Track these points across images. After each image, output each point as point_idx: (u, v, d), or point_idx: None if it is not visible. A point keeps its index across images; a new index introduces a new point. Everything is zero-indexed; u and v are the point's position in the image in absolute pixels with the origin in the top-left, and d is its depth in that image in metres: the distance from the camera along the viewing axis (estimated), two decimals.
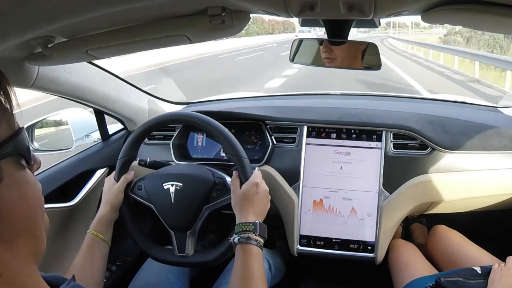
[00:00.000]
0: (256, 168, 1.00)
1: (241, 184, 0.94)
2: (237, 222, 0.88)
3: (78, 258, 0.91)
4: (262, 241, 0.85)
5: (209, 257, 1.02)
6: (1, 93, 0.41)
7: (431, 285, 1.00)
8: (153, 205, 1.04)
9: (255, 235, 0.84)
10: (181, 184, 1.01)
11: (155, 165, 1.16)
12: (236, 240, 0.84)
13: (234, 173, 0.97)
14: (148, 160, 1.16)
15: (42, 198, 0.46)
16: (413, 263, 1.18)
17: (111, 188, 1.04)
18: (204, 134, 1.38)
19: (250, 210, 0.88)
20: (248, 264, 0.81)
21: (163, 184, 1.02)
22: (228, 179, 1.01)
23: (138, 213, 1.08)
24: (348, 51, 0.93)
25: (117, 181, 1.05)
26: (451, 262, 1.17)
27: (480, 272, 0.97)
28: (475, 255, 1.14)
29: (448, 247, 1.25)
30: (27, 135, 0.45)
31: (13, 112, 0.43)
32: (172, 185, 1.01)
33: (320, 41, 0.97)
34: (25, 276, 0.42)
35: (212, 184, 1.01)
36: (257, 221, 0.87)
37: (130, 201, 1.07)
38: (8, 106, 0.42)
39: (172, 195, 1.01)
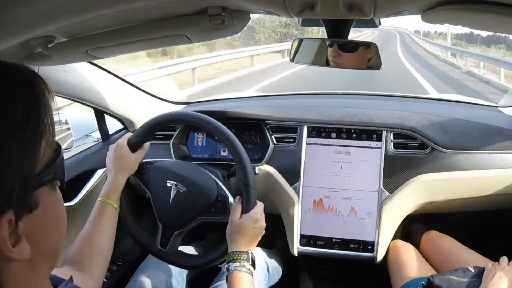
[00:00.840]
0: (258, 169, 1.01)
1: (242, 212, 0.94)
2: (230, 250, 0.90)
3: (88, 227, 0.89)
4: (253, 269, 0.88)
5: (189, 263, 1.04)
6: (42, 106, 0.38)
7: (423, 283, 1.01)
8: (150, 195, 1.04)
9: (248, 263, 0.87)
10: (184, 188, 1.01)
11: None
12: (231, 268, 0.87)
13: (237, 199, 0.97)
14: (145, 167, 1.15)
15: (66, 221, 0.45)
16: (411, 264, 1.18)
17: (127, 155, 0.99)
18: (204, 134, 1.38)
19: (244, 242, 0.90)
20: None
21: (167, 181, 1.02)
22: (230, 199, 1.00)
23: (135, 196, 1.07)
24: (356, 58, 0.94)
25: (132, 151, 1.01)
26: (445, 266, 1.17)
27: (473, 272, 0.98)
28: (467, 258, 1.14)
29: (441, 252, 1.26)
30: (63, 154, 0.43)
31: (54, 128, 0.40)
32: (175, 185, 1.01)
33: (321, 41, 0.97)
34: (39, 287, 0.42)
35: (214, 199, 1.00)
36: (249, 251, 0.90)
37: (129, 181, 1.04)
38: (50, 122, 0.39)
39: (172, 195, 1.01)
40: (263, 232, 0.95)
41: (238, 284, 0.84)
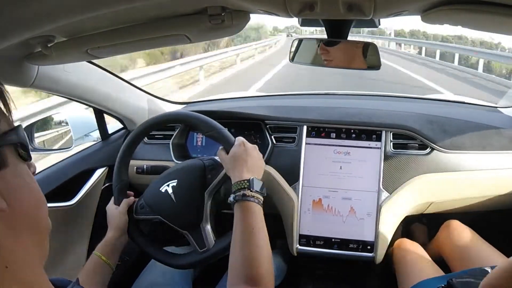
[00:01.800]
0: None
1: (227, 151, 0.93)
2: (232, 182, 0.87)
3: (80, 278, 0.90)
4: (260, 197, 0.84)
5: (227, 240, 0.96)
6: None
7: (442, 285, 0.99)
8: (159, 215, 1.02)
9: (251, 191, 0.83)
10: (175, 181, 1.00)
11: (153, 170, 1.15)
12: (231, 199, 0.84)
13: (220, 148, 0.96)
14: (145, 167, 1.15)
15: (44, 197, 0.46)
16: (420, 263, 1.17)
17: (114, 212, 1.04)
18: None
19: (243, 168, 0.87)
20: (246, 220, 0.80)
21: (160, 189, 1.01)
22: (216, 158, 1.00)
23: (150, 231, 1.08)
24: (344, 51, 0.93)
25: (118, 205, 1.05)
26: (460, 259, 1.15)
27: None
28: (486, 254, 1.12)
29: (459, 243, 1.23)
30: (25, 133, 0.46)
31: (11, 113, 0.43)
32: (168, 185, 1.01)
33: (319, 41, 0.97)
34: (29, 272, 0.42)
35: (203, 168, 1.00)
36: (252, 177, 0.85)
37: (138, 224, 1.06)
38: (4, 108, 0.43)
39: (172, 195, 1.00)
40: (260, 154, 0.94)
41: (242, 215, 0.81)
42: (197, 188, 0.99)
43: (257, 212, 0.82)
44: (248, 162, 0.89)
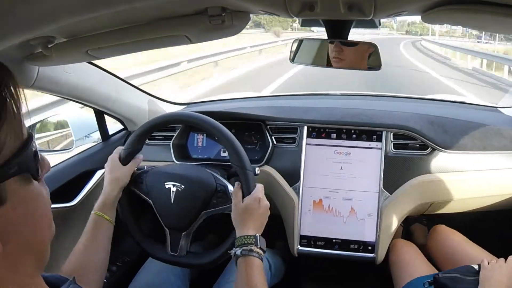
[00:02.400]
0: (257, 170, 1.00)
1: (243, 196, 0.93)
2: (237, 235, 0.89)
3: (83, 241, 0.89)
4: (262, 253, 0.87)
5: (201, 261, 1.02)
6: (7, 95, 0.36)
7: (429, 281, 1.01)
8: (152, 201, 1.03)
9: (256, 247, 0.85)
10: (183, 186, 1.01)
11: None
12: (238, 252, 0.85)
13: (237, 184, 0.96)
14: (145, 168, 1.14)
15: (49, 210, 0.43)
16: (413, 263, 1.18)
17: (119, 168, 1.01)
18: (204, 135, 1.38)
19: (251, 225, 0.89)
20: (251, 276, 0.82)
21: (165, 183, 1.01)
22: (230, 187, 0.99)
23: (136, 207, 1.08)
24: (357, 52, 0.94)
25: (124, 163, 1.02)
26: (451, 261, 1.17)
27: (477, 270, 0.98)
28: (474, 254, 1.14)
29: (448, 246, 1.25)
30: (36, 145, 0.41)
31: (22, 118, 0.38)
32: (173, 185, 1.01)
33: (320, 41, 0.97)
34: (28, 285, 0.41)
35: (214, 190, 1.00)
36: (257, 234, 0.88)
37: (129, 193, 1.05)
38: (16, 111, 0.37)
39: (173, 195, 1.00)
40: (269, 212, 0.94)
41: (247, 270, 0.82)
42: (198, 204, 1.00)
43: (260, 267, 0.84)
44: (257, 220, 0.91)
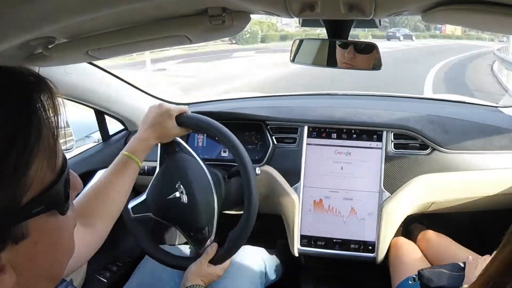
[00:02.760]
0: (258, 170, 1.04)
1: (213, 258, 1.02)
2: (186, 285, 0.98)
3: (107, 178, 0.84)
4: None
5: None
6: (47, 116, 0.31)
7: (413, 276, 1.02)
8: (175, 225, 1.07)
9: None
10: (182, 185, 1.02)
11: (154, 171, 1.14)
12: None
13: (214, 246, 1.04)
14: (146, 168, 1.14)
15: (73, 240, 0.40)
16: (411, 261, 1.19)
17: (170, 123, 0.94)
18: (205, 135, 1.38)
19: (201, 282, 1.00)
20: None
21: (167, 197, 1.02)
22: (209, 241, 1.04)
23: (148, 228, 1.09)
24: (369, 59, 0.95)
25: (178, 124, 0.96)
26: (438, 262, 1.18)
27: (463, 266, 1.00)
28: (460, 254, 1.15)
29: (435, 249, 1.26)
30: (68, 174, 0.36)
31: (59, 142, 0.34)
32: (178, 188, 1.02)
33: (321, 41, 0.97)
34: None
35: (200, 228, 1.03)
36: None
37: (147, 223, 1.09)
38: (55, 135, 0.33)
39: (184, 198, 1.02)
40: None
41: None
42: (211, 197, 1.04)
43: None
44: (208, 281, 1.01)
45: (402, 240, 1.32)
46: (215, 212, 1.03)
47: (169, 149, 1.02)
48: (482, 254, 1.15)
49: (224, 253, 1.02)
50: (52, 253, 0.36)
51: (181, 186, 1.01)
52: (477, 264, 0.95)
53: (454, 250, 1.21)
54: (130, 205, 1.03)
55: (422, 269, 1.00)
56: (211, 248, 1.03)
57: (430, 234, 1.34)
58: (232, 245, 1.01)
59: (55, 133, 0.33)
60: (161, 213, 1.03)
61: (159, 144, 1.01)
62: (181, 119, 0.97)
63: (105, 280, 1.28)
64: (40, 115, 0.31)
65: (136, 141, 0.90)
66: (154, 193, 1.03)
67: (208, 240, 1.04)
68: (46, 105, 0.32)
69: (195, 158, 1.04)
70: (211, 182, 1.03)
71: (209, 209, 1.03)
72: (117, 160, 0.87)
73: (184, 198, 1.00)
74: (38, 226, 0.33)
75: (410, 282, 1.04)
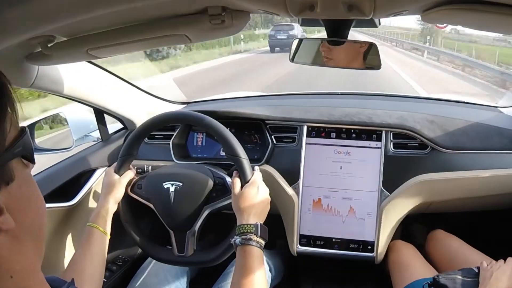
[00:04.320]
0: (256, 168, 1.00)
1: (242, 185, 0.94)
2: (238, 223, 0.89)
3: (78, 252, 0.91)
4: (263, 242, 0.86)
5: (209, 257, 1.02)
6: (4, 95, 0.41)
7: (428, 282, 1.01)
8: (152, 205, 1.04)
9: (256, 236, 0.85)
10: (181, 184, 1.01)
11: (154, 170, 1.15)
12: (237, 241, 0.85)
13: (235, 173, 0.96)
14: (145, 168, 1.14)
15: (44, 200, 0.46)
16: (413, 264, 1.18)
17: (113, 181, 1.03)
18: (204, 134, 1.38)
19: (251, 212, 0.88)
20: (249, 265, 0.81)
21: (163, 184, 1.02)
22: (228, 179, 1.00)
23: (138, 213, 1.08)
24: (347, 51, 0.93)
25: (119, 175, 1.05)
26: (450, 266, 1.17)
27: (477, 272, 0.99)
28: (473, 258, 1.14)
29: (446, 252, 1.25)
30: (29, 135, 0.45)
31: (17, 113, 0.43)
32: (172, 184, 1.01)
33: (320, 41, 0.97)
34: (31, 280, 0.42)
35: (212, 184, 1.00)
36: (258, 222, 0.87)
37: (129, 200, 1.06)
38: (11, 108, 0.42)
39: (172, 195, 1.00)
40: (269, 198, 0.95)
41: (244, 259, 0.82)
42: (198, 200, 1.00)
43: (260, 257, 0.84)
44: (257, 207, 0.90)
45: (400, 243, 1.32)
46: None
47: (137, 188, 1.07)
48: (485, 254, 1.16)
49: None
50: (32, 199, 0.43)
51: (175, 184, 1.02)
52: (491, 272, 0.95)
53: (465, 252, 1.20)
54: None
55: (437, 275, 0.99)
56: (234, 176, 0.95)
57: (440, 234, 1.33)
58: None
59: (15, 103, 0.42)
60: (151, 194, 1.04)
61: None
62: (116, 167, 1.06)
63: (105, 280, 1.28)
64: (7, 92, 0.42)
65: (96, 212, 0.98)
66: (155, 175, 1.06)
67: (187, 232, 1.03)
68: (7, 87, 0.42)
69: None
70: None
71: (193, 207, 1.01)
72: (84, 232, 0.95)
73: (172, 194, 1.01)
74: (19, 171, 0.41)
75: (425, 287, 1.02)
